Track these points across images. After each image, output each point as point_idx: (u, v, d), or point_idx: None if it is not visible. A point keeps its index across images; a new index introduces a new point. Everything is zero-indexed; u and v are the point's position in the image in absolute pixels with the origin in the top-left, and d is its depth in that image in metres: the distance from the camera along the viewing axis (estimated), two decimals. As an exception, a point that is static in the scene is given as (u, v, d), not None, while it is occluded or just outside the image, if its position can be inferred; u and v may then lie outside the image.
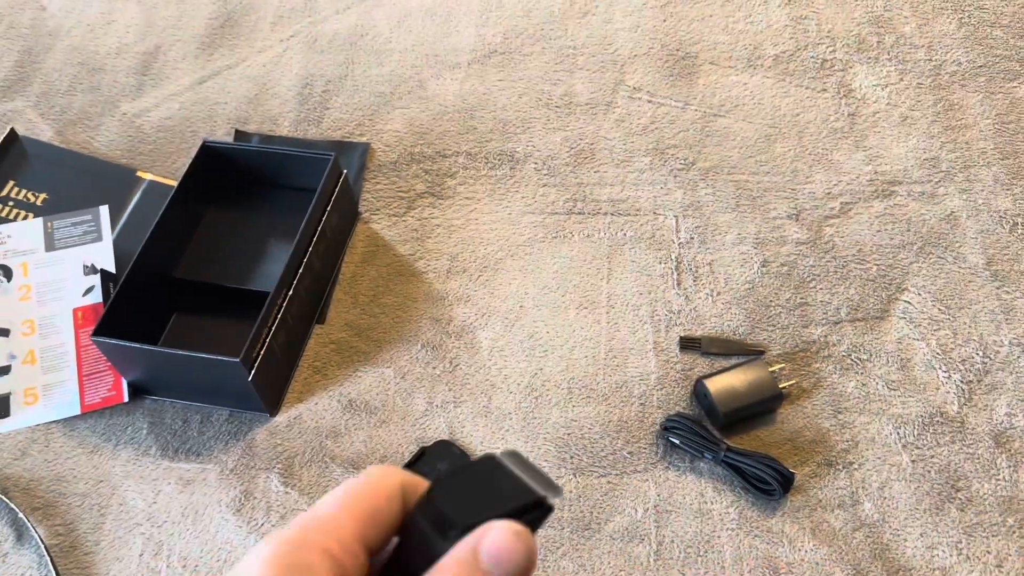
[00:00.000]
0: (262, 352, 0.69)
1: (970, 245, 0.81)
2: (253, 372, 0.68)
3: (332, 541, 0.27)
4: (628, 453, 0.70)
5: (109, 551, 0.67)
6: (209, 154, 0.81)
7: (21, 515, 0.68)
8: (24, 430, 0.74)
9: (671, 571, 0.64)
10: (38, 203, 0.86)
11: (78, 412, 0.74)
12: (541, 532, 0.66)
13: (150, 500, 0.69)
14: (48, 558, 0.66)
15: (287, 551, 0.26)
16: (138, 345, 0.68)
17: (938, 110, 0.91)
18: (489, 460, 0.30)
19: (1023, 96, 0.92)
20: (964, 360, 0.74)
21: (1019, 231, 0.81)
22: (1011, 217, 0.82)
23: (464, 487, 0.30)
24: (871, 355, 0.74)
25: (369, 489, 0.29)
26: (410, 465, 0.70)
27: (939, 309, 0.77)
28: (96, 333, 0.69)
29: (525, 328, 0.77)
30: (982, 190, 0.85)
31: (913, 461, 0.69)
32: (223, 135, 0.92)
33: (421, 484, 0.30)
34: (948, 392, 0.72)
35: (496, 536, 0.27)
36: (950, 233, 0.82)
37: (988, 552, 0.65)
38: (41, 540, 0.67)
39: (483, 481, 0.30)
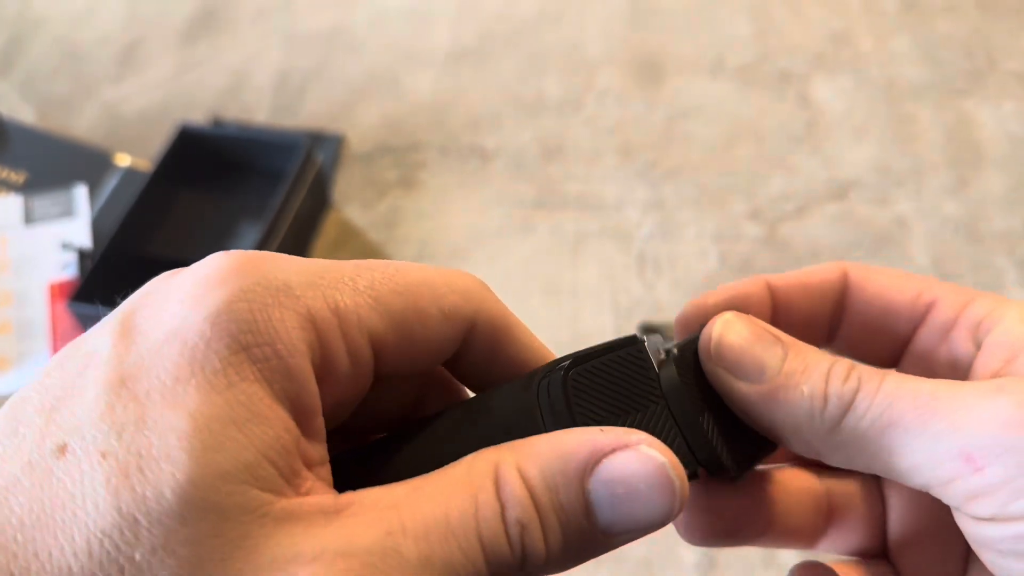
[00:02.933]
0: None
1: (918, 246, 0.85)
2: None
3: (326, 313, 0.20)
4: (586, 431, 0.73)
5: (77, 512, 0.68)
6: (186, 136, 0.84)
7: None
8: (-4, 397, 0.75)
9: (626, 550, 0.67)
10: (19, 182, 0.88)
11: (50, 381, 0.76)
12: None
13: (119, 465, 0.71)
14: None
15: (246, 298, 0.19)
16: (113, 312, 0.70)
17: (891, 121, 0.96)
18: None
19: (970, 111, 0.96)
20: (908, 352, 0.78)
21: (963, 234, 0.85)
22: (955, 221, 0.86)
23: (600, 373, 0.23)
24: (820, 345, 0.78)
25: (435, 284, 0.22)
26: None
27: (886, 304, 0.81)
28: (72, 301, 0.71)
29: (490, 312, 0.80)
30: (930, 196, 0.89)
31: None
32: (201, 123, 0.94)
33: (504, 316, 0.24)
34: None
35: (625, 458, 0.20)
36: (899, 234, 0.86)
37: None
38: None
39: (627, 375, 0.24)
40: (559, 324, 0.79)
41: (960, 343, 0.26)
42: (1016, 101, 0.97)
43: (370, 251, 0.84)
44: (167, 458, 0.17)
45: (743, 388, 0.24)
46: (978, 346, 0.25)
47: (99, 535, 0.17)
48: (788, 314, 0.28)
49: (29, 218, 0.85)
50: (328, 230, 0.86)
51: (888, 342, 0.28)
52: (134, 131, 0.94)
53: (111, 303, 0.71)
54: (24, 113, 0.95)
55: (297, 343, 0.19)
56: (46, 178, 0.88)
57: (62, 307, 0.79)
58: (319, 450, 0.20)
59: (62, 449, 0.17)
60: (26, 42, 1.04)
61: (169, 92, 0.98)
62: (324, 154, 0.91)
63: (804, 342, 0.25)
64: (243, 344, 0.18)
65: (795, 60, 1.02)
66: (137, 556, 0.17)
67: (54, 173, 0.89)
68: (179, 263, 0.73)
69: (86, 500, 0.17)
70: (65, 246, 0.83)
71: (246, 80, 0.99)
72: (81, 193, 0.86)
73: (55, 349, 0.77)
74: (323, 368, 0.20)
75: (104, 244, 0.76)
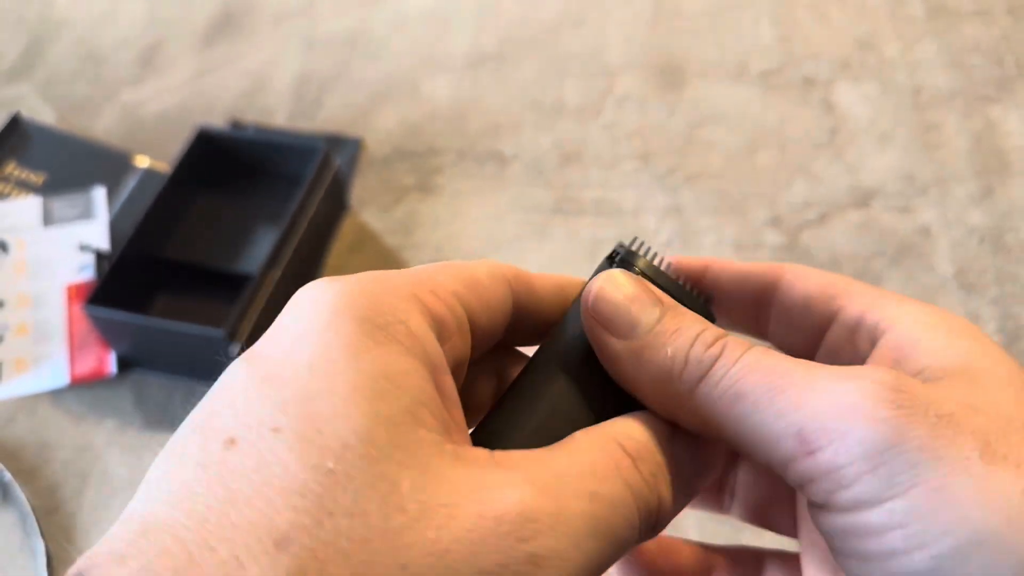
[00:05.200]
0: (247, 328, 0.71)
1: (941, 256, 0.83)
2: (237, 347, 0.70)
3: (423, 289, 0.23)
4: (600, 440, 0.72)
5: (91, 514, 0.69)
6: (204, 139, 0.84)
7: (8, 476, 0.69)
8: (12, 399, 0.75)
9: (637, 553, 0.66)
10: (38, 183, 0.88)
11: (66, 383, 0.76)
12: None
13: (132, 468, 0.71)
14: (32, 517, 0.67)
15: (360, 293, 0.21)
16: (128, 315, 0.71)
17: (916, 129, 0.94)
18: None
19: (998, 119, 0.95)
20: (930, 364, 0.76)
21: (987, 245, 0.84)
22: (981, 231, 0.85)
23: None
24: (841, 356, 0.76)
25: (469, 263, 0.25)
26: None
27: (908, 315, 0.79)
28: (88, 303, 0.71)
29: (506, 319, 0.80)
30: (955, 205, 0.87)
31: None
32: (220, 126, 0.94)
33: (537, 279, 0.27)
34: (914, 394, 0.74)
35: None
36: (922, 244, 0.84)
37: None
38: (25, 500, 0.68)
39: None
40: (575, 332, 0.78)
41: (861, 344, 0.26)
42: (1045, 109, 0.95)
43: (387, 255, 0.84)
44: (340, 416, 0.19)
45: (613, 344, 0.25)
46: (874, 347, 0.26)
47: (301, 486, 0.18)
48: (723, 301, 0.31)
49: (48, 220, 0.85)
50: (345, 234, 0.86)
51: (805, 339, 0.29)
52: (153, 133, 0.94)
53: (126, 306, 0.70)
54: (44, 115, 0.96)
55: (411, 310, 0.22)
56: (65, 179, 0.89)
57: (79, 309, 0.79)
58: (457, 414, 0.22)
59: (232, 441, 0.19)
60: (47, 44, 1.04)
61: (188, 95, 0.98)
62: (342, 158, 0.90)
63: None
64: (368, 318, 0.21)
65: (819, 66, 1.00)
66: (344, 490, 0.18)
67: (73, 174, 0.89)
68: (196, 265, 0.73)
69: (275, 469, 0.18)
70: (83, 248, 0.83)
71: (265, 83, 0.99)
72: (100, 195, 0.87)
73: (72, 351, 0.77)
74: (438, 332, 0.22)
75: (122, 246, 0.76)
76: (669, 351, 0.24)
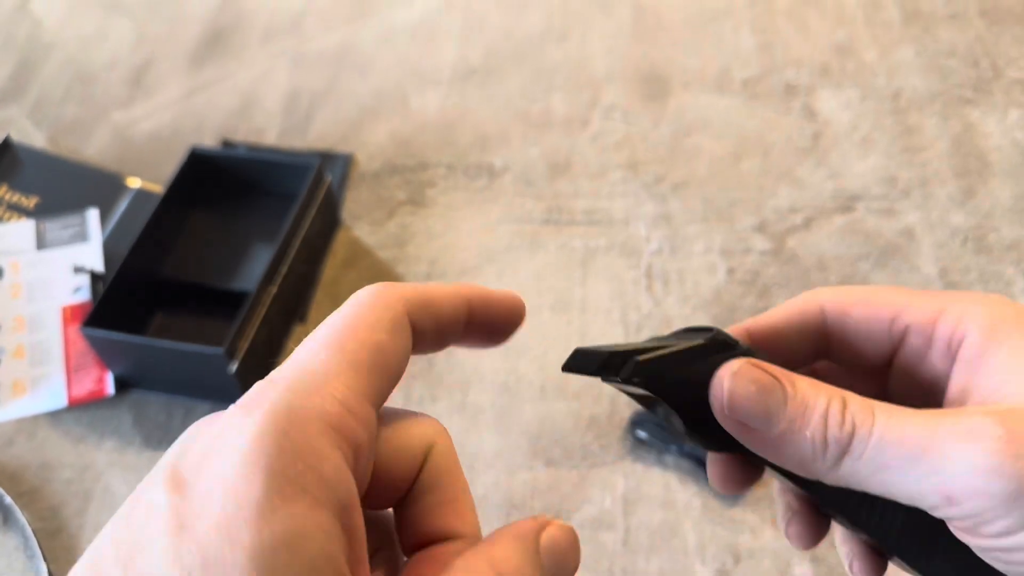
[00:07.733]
0: (245, 345, 0.72)
1: (925, 257, 0.85)
2: (235, 364, 0.71)
3: (333, 405, 0.22)
4: (598, 447, 0.73)
5: (93, 534, 0.69)
6: (197, 159, 0.84)
7: (8, 500, 0.70)
8: (11, 421, 0.76)
9: (637, 556, 0.67)
10: (30, 206, 0.89)
11: (64, 405, 0.76)
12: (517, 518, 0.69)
13: (133, 487, 0.71)
14: (34, 540, 0.67)
15: (275, 433, 0.21)
16: (125, 336, 0.71)
17: (897, 132, 0.96)
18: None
19: (976, 120, 0.97)
20: (918, 363, 0.78)
21: (970, 245, 0.86)
22: (963, 231, 0.87)
23: None
24: (830, 358, 0.78)
25: (366, 323, 0.24)
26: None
27: (895, 316, 0.81)
28: (85, 325, 0.72)
29: (500, 329, 0.81)
30: (937, 206, 0.89)
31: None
32: (211, 145, 0.95)
33: (430, 293, 0.26)
34: (903, 393, 0.76)
35: (555, 532, 0.25)
36: (906, 246, 0.86)
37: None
38: (27, 523, 0.69)
39: None
40: (568, 339, 0.80)
41: (936, 363, 0.30)
42: (1022, 109, 0.97)
43: (380, 269, 0.85)
44: None
45: (756, 436, 0.28)
46: (952, 360, 0.29)
47: None
48: (771, 351, 0.31)
49: (41, 243, 0.85)
50: (338, 249, 0.87)
51: (874, 362, 0.32)
52: (144, 154, 0.95)
53: (123, 326, 0.71)
54: (35, 137, 0.96)
55: (325, 449, 0.21)
56: (58, 202, 0.89)
57: (75, 330, 0.79)
58: (358, 548, 0.22)
59: None
60: (36, 66, 1.05)
61: (179, 114, 0.99)
62: (333, 173, 0.91)
63: (793, 373, 0.28)
64: (279, 471, 0.20)
65: (800, 73, 1.02)
66: None
67: (66, 197, 0.90)
68: (191, 285, 0.74)
69: None
70: (77, 270, 0.84)
71: (255, 101, 1.00)
72: (93, 216, 0.87)
73: (69, 372, 0.77)
74: (354, 458, 0.22)
75: (116, 266, 0.77)
76: (808, 434, 0.27)
